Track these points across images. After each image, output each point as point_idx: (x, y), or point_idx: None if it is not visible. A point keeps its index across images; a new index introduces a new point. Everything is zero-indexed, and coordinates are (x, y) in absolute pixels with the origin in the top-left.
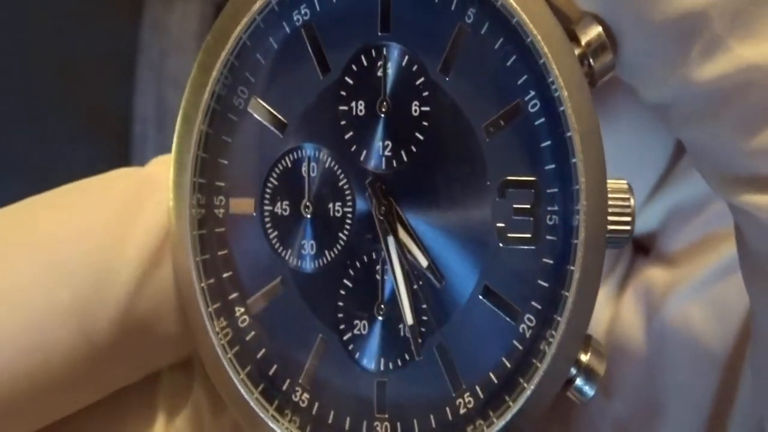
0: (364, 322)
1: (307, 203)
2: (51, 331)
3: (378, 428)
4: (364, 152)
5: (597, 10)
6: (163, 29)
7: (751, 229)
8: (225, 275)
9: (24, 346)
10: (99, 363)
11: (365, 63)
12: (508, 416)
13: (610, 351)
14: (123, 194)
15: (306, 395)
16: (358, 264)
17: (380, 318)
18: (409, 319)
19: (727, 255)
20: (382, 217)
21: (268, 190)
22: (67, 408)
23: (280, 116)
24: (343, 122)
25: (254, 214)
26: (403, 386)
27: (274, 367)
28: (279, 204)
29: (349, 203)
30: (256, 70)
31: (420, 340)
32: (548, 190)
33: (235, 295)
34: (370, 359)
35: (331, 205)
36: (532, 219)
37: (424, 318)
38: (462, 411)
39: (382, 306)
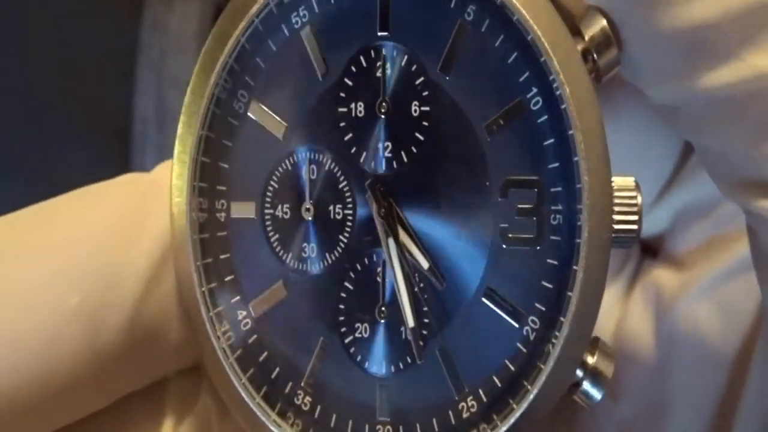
0: (366, 324)
1: (308, 206)
2: (60, 336)
3: None
4: (364, 154)
5: (602, 5)
6: (163, 29)
7: (765, 233)
8: (227, 279)
9: (33, 350)
10: (106, 368)
11: (364, 64)
12: (511, 420)
13: (617, 352)
14: (130, 199)
15: (308, 399)
16: (359, 266)
17: (382, 321)
18: (410, 321)
19: (737, 256)
20: (382, 219)
21: (268, 194)
22: (74, 413)
23: (279, 119)
24: (342, 124)
25: (255, 217)
26: (406, 390)
27: (276, 370)
28: (280, 207)
29: (350, 205)
30: (255, 74)
31: (421, 343)
32: (552, 189)
33: (237, 298)
34: (371, 362)
35: (331, 208)
36: (535, 219)
37: (426, 320)
38: (465, 415)
39: (384, 309)
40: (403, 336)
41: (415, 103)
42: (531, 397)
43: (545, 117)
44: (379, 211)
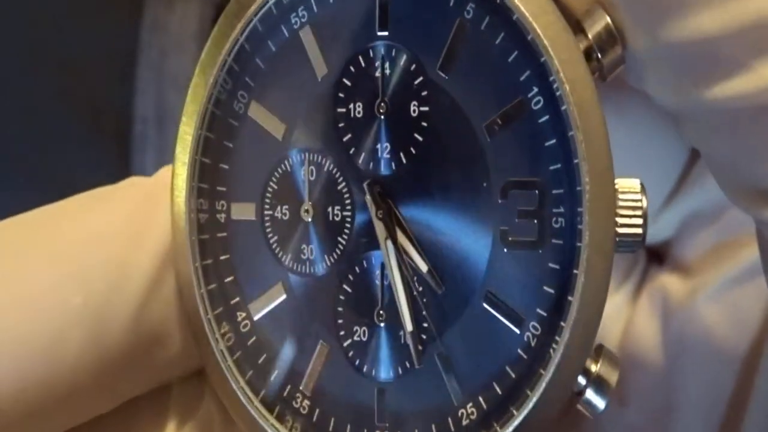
0: (364, 328)
1: (307, 207)
2: (64, 337)
3: None
4: (363, 155)
5: (608, 11)
6: (163, 29)
7: None
8: (227, 280)
9: (37, 352)
10: (110, 370)
11: (363, 64)
12: (511, 427)
13: (624, 359)
14: (133, 202)
15: (307, 402)
16: (357, 269)
17: (380, 324)
18: (409, 325)
19: (745, 262)
20: (380, 221)
21: (268, 195)
22: (78, 417)
23: (279, 120)
24: (341, 124)
25: (255, 218)
26: (404, 395)
27: (275, 373)
28: (279, 208)
29: (349, 207)
30: (255, 74)
31: (420, 348)
32: (553, 192)
33: (236, 299)
34: (370, 367)
35: (330, 209)
36: (536, 222)
37: (425, 325)
38: (464, 422)
39: (382, 312)
40: (402, 340)
41: (414, 103)
42: (531, 403)
43: (547, 117)
44: (377, 213)
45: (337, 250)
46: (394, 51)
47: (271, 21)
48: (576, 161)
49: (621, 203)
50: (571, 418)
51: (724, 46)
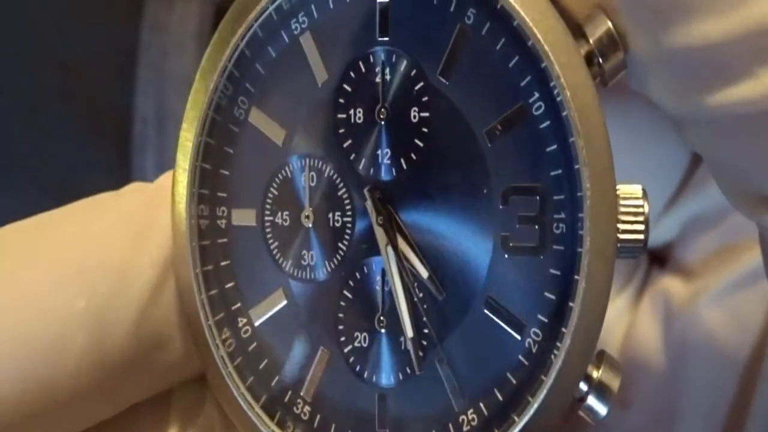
0: (365, 334)
1: (308, 213)
2: (66, 341)
3: None
4: (363, 160)
5: (610, 16)
6: (163, 29)
7: None
8: (227, 286)
9: (39, 355)
10: (112, 375)
11: (363, 69)
12: None
13: (626, 362)
14: (137, 208)
15: (307, 408)
16: (358, 275)
17: (381, 330)
18: (409, 331)
19: (747, 266)
20: (380, 227)
21: (268, 201)
22: (79, 422)
23: (279, 126)
24: (341, 130)
25: (256, 224)
26: (405, 401)
27: (276, 378)
28: (280, 214)
29: (349, 213)
30: (255, 80)
31: (421, 354)
32: (555, 197)
33: (237, 305)
34: (371, 373)
35: (330, 215)
36: (537, 227)
37: (425, 331)
38: (465, 428)
39: (383, 318)
40: (403, 346)
41: (415, 108)
42: (532, 410)
43: (548, 122)
44: (377, 219)
45: (338, 256)
46: (394, 56)
47: (271, 27)
48: (577, 167)
49: (623, 209)
50: (572, 424)
51: (727, 52)
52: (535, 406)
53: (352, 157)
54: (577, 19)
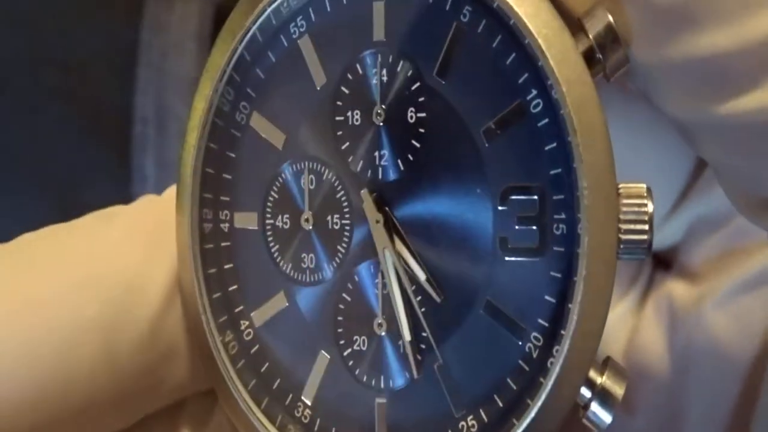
0: (364, 337)
1: (307, 216)
2: (78, 349)
3: None
4: (361, 162)
5: (614, 24)
6: (163, 29)
7: None
8: (231, 288)
9: (52, 362)
10: (123, 385)
11: (360, 71)
12: None
13: (630, 367)
14: (149, 219)
15: (308, 411)
16: (356, 278)
17: (380, 334)
18: (407, 335)
19: (753, 269)
20: (378, 229)
21: (269, 204)
22: None
23: (279, 130)
24: (339, 133)
25: (257, 227)
26: (404, 405)
27: (277, 381)
28: (280, 217)
29: (348, 215)
30: (256, 85)
31: (419, 358)
32: (554, 197)
33: (240, 308)
34: (370, 376)
35: (330, 218)
36: (537, 228)
37: (424, 334)
38: None
39: (381, 322)
40: (401, 350)
41: (411, 109)
42: (532, 413)
43: (546, 120)
44: (374, 221)
45: (337, 259)
46: (391, 57)
47: (270, 31)
48: (574, 165)
49: (625, 208)
50: (579, 427)
51: (736, 63)
52: (535, 409)
53: (350, 159)
54: (577, 14)
